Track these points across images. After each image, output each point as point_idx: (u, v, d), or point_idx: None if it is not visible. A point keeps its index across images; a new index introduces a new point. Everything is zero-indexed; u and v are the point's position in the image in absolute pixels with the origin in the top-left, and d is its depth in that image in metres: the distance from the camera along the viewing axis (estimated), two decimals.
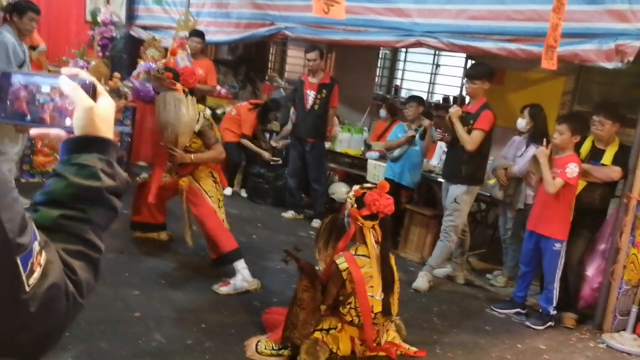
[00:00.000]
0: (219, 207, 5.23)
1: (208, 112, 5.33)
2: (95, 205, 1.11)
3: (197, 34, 8.36)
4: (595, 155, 5.35)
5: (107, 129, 1.15)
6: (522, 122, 5.96)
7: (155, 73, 5.30)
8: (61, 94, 1.13)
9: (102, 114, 1.15)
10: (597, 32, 5.11)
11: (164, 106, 5.06)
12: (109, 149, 1.15)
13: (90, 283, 1.09)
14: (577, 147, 5.30)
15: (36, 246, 0.95)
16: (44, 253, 0.97)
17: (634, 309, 5.07)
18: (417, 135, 6.48)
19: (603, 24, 5.07)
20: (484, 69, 5.81)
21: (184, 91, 5.19)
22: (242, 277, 5.07)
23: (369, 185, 4.33)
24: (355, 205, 4.10)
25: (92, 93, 1.15)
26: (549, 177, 5.01)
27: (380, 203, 4.04)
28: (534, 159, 5.19)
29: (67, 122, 1.13)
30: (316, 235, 4.36)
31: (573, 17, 5.16)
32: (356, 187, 4.22)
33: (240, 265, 5.11)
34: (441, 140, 6.29)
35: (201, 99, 5.46)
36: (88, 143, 1.12)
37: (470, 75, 5.82)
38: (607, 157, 5.27)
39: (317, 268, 4.38)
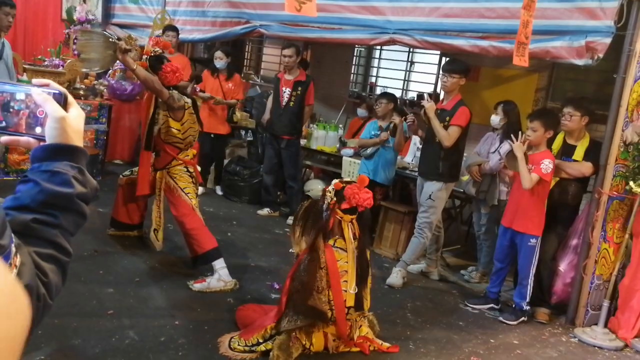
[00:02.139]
0: (196, 202, 5.24)
1: (189, 101, 5.26)
2: (66, 211, 1.14)
3: (171, 28, 8.31)
4: (566, 151, 5.41)
5: (78, 138, 1.19)
6: (496, 119, 6.00)
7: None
8: (34, 101, 1.16)
9: (73, 124, 1.18)
10: (568, 29, 5.16)
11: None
12: (80, 157, 1.18)
13: (59, 285, 1.11)
14: (549, 143, 5.35)
15: (13, 248, 0.97)
16: (18, 255, 0.98)
17: (606, 304, 5.12)
18: (389, 132, 6.50)
19: (574, 21, 5.12)
20: (460, 64, 5.85)
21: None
22: (219, 276, 5.06)
23: (348, 179, 4.37)
24: (335, 199, 4.13)
25: (64, 103, 1.18)
26: (525, 172, 5.05)
27: (360, 197, 4.08)
28: (511, 155, 5.23)
29: (38, 130, 1.17)
30: (294, 218, 4.37)
31: (544, 15, 5.22)
32: (336, 180, 4.25)
33: (219, 264, 5.11)
34: (412, 122, 6.28)
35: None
36: (60, 151, 1.15)
37: (447, 70, 5.86)
38: (579, 153, 5.33)
39: (291, 251, 4.41)
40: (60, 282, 1.12)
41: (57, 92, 1.18)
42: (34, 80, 1.20)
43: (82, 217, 1.18)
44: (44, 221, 1.10)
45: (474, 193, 6.07)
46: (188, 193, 5.22)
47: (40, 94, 1.15)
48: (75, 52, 8.09)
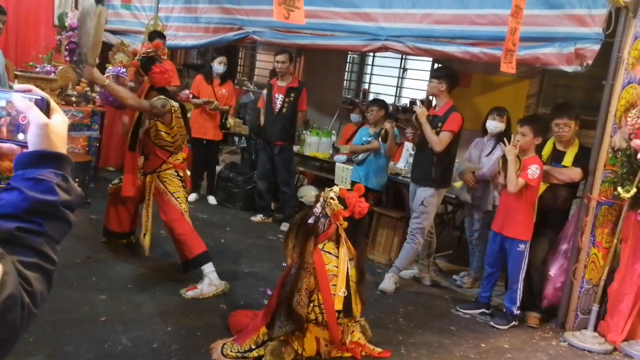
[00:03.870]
0: (185, 206, 5.26)
1: (176, 104, 5.22)
2: (50, 219, 1.13)
3: (158, 35, 8.29)
4: (556, 157, 5.45)
5: (61, 145, 1.18)
6: (495, 125, 5.98)
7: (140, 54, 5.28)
8: (16, 108, 1.15)
9: (56, 130, 1.17)
10: (558, 36, 5.22)
11: (81, 26, 4.97)
12: (64, 164, 1.16)
13: (44, 294, 1.11)
14: (539, 149, 5.39)
15: None
16: (1, 265, 0.98)
17: (595, 308, 5.17)
18: (379, 138, 6.53)
19: (563, 28, 5.18)
20: (444, 70, 5.90)
21: (151, 87, 5.20)
22: (210, 281, 5.08)
23: (343, 187, 4.42)
24: (341, 207, 4.16)
25: (46, 109, 1.17)
26: (513, 175, 5.08)
27: (362, 205, 4.15)
28: (503, 158, 5.26)
29: (20, 136, 1.16)
30: (287, 231, 4.40)
31: (534, 22, 5.28)
32: (337, 187, 4.29)
33: (208, 268, 5.13)
34: (412, 139, 6.27)
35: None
36: (44, 158, 1.14)
37: (430, 75, 5.91)
38: (568, 159, 5.37)
39: (284, 265, 4.42)
40: (45, 290, 1.11)
41: (39, 97, 1.17)
42: (16, 86, 1.19)
43: (67, 224, 1.17)
44: (28, 229, 1.09)
45: (469, 200, 6.08)
46: (178, 197, 5.22)
47: (22, 101, 1.15)
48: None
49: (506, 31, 4.92)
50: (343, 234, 4.18)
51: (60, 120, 1.19)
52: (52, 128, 1.15)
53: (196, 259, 5.13)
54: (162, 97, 5.14)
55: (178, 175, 5.33)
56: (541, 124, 5.33)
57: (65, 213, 1.16)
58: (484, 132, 6.13)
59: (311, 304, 4.08)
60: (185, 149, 5.56)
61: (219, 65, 8.02)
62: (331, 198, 4.19)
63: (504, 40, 4.96)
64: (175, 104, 5.25)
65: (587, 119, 5.84)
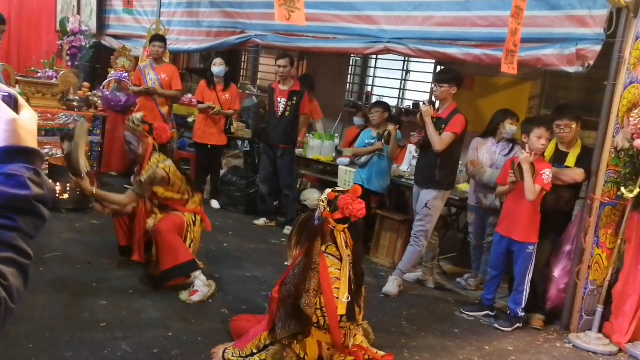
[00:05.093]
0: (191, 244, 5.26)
1: (169, 162, 5.24)
2: (23, 214, 1.11)
3: (159, 38, 8.29)
4: (558, 158, 5.42)
5: (31, 140, 1.16)
6: (515, 129, 5.93)
7: (132, 123, 5.30)
8: None
9: (25, 126, 1.15)
10: (559, 37, 5.21)
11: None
12: (35, 159, 1.15)
13: (21, 289, 1.10)
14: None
15: None
16: None
17: (599, 309, 5.14)
18: (382, 140, 6.51)
19: (564, 29, 5.17)
20: (451, 74, 5.85)
21: (154, 146, 5.27)
22: (202, 282, 5.07)
23: (341, 188, 4.36)
24: (328, 209, 4.12)
25: (14, 105, 1.16)
26: (531, 183, 5.01)
27: (354, 207, 4.06)
28: (518, 166, 5.17)
29: None
30: (290, 232, 4.35)
31: (535, 23, 5.26)
32: (329, 190, 4.24)
33: (197, 272, 5.13)
34: (417, 143, 6.21)
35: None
36: (14, 153, 1.13)
37: (438, 79, 5.88)
38: (571, 160, 5.35)
39: (286, 264, 4.39)
40: (22, 285, 1.10)
41: (6, 94, 1.16)
42: None
43: (41, 219, 1.15)
44: (1, 225, 1.08)
45: (498, 206, 6.00)
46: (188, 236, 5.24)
47: None
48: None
49: (507, 33, 4.90)
50: (340, 237, 4.13)
51: (28, 116, 1.18)
52: (21, 123, 1.14)
53: (190, 264, 5.12)
54: (146, 176, 5.12)
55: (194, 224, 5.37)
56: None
57: (38, 207, 1.14)
58: (488, 134, 6.08)
59: (313, 308, 4.06)
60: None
61: (215, 67, 7.98)
62: (321, 200, 4.16)
63: (505, 41, 4.94)
64: (168, 163, 5.24)
65: (589, 120, 5.81)
